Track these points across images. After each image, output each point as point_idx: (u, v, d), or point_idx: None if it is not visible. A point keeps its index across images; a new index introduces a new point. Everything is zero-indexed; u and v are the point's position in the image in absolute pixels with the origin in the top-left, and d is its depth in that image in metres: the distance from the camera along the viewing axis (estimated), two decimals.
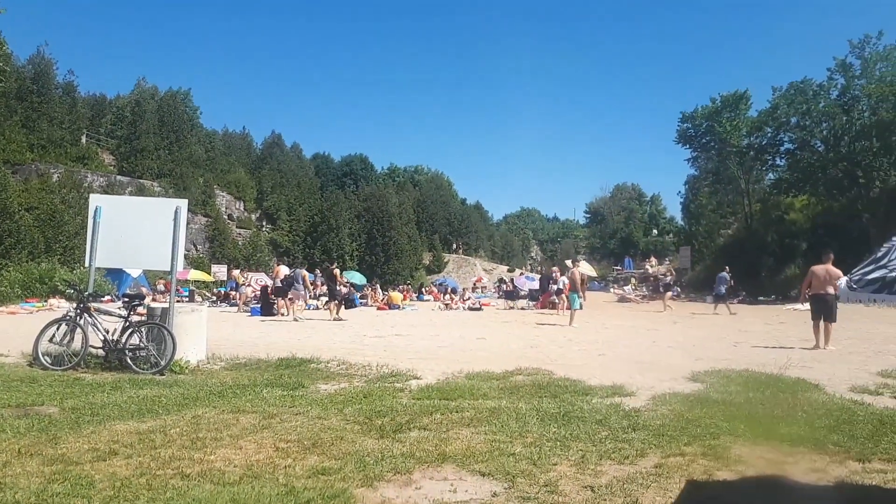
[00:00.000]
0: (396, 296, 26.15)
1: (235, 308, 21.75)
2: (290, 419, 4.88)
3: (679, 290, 29.53)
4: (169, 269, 8.34)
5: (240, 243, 47.54)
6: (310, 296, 21.69)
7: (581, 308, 15.76)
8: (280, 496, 3.18)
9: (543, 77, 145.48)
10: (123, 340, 7.61)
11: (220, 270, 34.38)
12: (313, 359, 8.30)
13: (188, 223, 25.57)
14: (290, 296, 18.11)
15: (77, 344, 7.57)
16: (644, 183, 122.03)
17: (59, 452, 3.89)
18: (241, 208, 52.89)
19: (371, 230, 53.42)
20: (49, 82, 40.51)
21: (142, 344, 7.57)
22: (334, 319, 16.32)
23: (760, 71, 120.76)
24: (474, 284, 45.56)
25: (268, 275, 26.87)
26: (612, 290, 39.31)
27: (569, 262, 22.98)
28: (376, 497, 3.27)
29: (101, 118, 47.50)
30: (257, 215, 54.38)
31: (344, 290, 18.90)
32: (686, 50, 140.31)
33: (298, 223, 52.60)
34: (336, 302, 17.41)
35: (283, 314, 17.88)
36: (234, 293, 24.99)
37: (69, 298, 18.43)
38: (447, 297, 28.37)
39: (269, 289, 19.38)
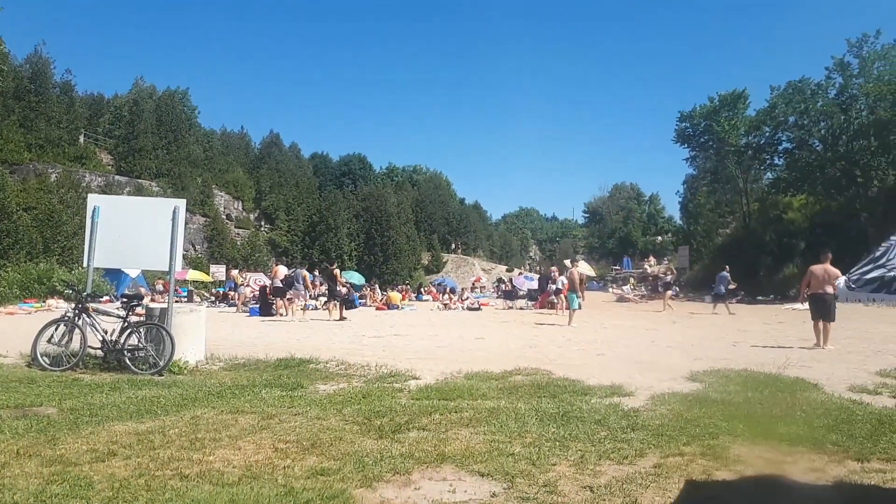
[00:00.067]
0: (395, 296, 26.16)
1: (234, 308, 21.74)
2: (289, 420, 4.87)
3: (678, 289, 29.55)
4: (167, 270, 8.32)
5: (238, 243, 47.53)
6: (309, 296, 21.69)
7: (580, 308, 15.76)
8: (279, 497, 3.18)
9: (542, 77, 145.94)
10: (122, 341, 7.59)
11: (218, 270, 34.36)
12: (312, 359, 8.29)
13: (186, 223, 25.48)
14: (288, 296, 18.10)
15: (75, 344, 7.56)
16: (642, 182, 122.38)
17: (58, 453, 3.88)
18: (240, 208, 52.88)
19: (369, 230, 53.42)
20: (47, 82, 40.46)
21: (140, 344, 7.56)
22: (341, 318, 16.29)
23: (758, 70, 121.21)
24: (473, 284, 45.59)
25: (266, 275, 26.85)
26: (610, 289, 39.33)
27: (567, 262, 22.97)
28: (375, 497, 3.26)
29: (99, 118, 47.45)
30: (256, 215, 54.37)
31: (344, 290, 18.90)
32: (684, 49, 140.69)
33: (297, 223, 52.59)
34: (337, 302, 17.38)
35: (281, 314, 17.87)
36: (232, 293, 25.00)
37: (67, 299, 18.45)
38: (446, 297, 28.39)
39: (268, 289, 19.37)
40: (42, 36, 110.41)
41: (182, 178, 44.60)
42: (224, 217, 48.83)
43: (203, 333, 8.55)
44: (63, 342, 7.53)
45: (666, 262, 46.04)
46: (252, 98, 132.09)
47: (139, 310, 8.80)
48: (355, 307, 23.06)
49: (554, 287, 21.48)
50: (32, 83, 39.09)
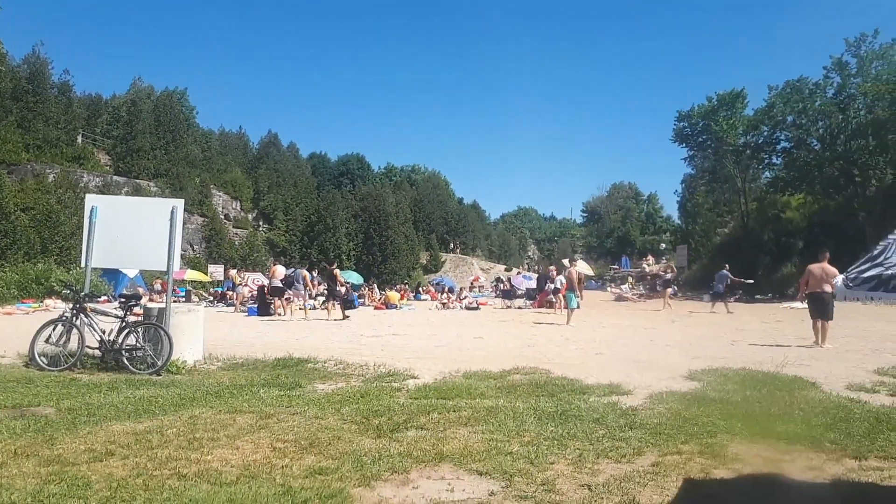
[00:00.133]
0: (394, 295, 26.17)
1: (232, 308, 21.72)
2: (287, 419, 4.87)
3: (676, 288, 29.59)
4: (165, 270, 8.30)
5: (236, 243, 47.48)
6: (308, 295, 21.68)
7: (578, 307, 15.77)
8: (277, 496, 3.17)
9: (541, 77, 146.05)
10: (120, 341, 7.58)
11: (216, 270, 34.37)
12: (310, 359, 8.29)
13: (184, 223, 25.44)
14: (287, 295, 18.09)
15: (73, 344, 7.55)
16: (641, 182, 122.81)
17: (56, 453, 3.87)
18: (238, 208, 52.83)
19: (368, 230, 53.40)
20: (45, 82, 40.34)
21: (138, 344, 7.55)
22: (344, 317, 16.28)
23: (757, 70, 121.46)
24: (471, 284, 45.63)
25: (264, 275, 26.84)
26: (609, 289, 39.37)
27: (566, 261, 22.98)
28: (373, 496, 3.26)
29: (97, 118, 47.34)
30: (254, 215, 54.33)
31: (343, 290, 18.91)
32: (683, 49, 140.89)
33: (295, 223, 52.56)
34: (336, 302, 17.37)
35: (279, 314, 17.86)
36: (230, 293, 24.97)
37: (65, 299, 18.41)
38: (444, 296, 28.40)
39: (266, 289, 19.36)
40: (40, 36, 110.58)
41: (180, 178, 44.54)
42: (222, 217, 48.79)
43: (201, 333, 8.55)
44: (61, 342, 7.52)
45: (664, 260, 46.10)
46: (250, 98, 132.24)
47: (137, 310, 8.79)
48: (355, 307, 23.07)
49: (552, 286, 21.50)
50: (30, 83, 38.98)
